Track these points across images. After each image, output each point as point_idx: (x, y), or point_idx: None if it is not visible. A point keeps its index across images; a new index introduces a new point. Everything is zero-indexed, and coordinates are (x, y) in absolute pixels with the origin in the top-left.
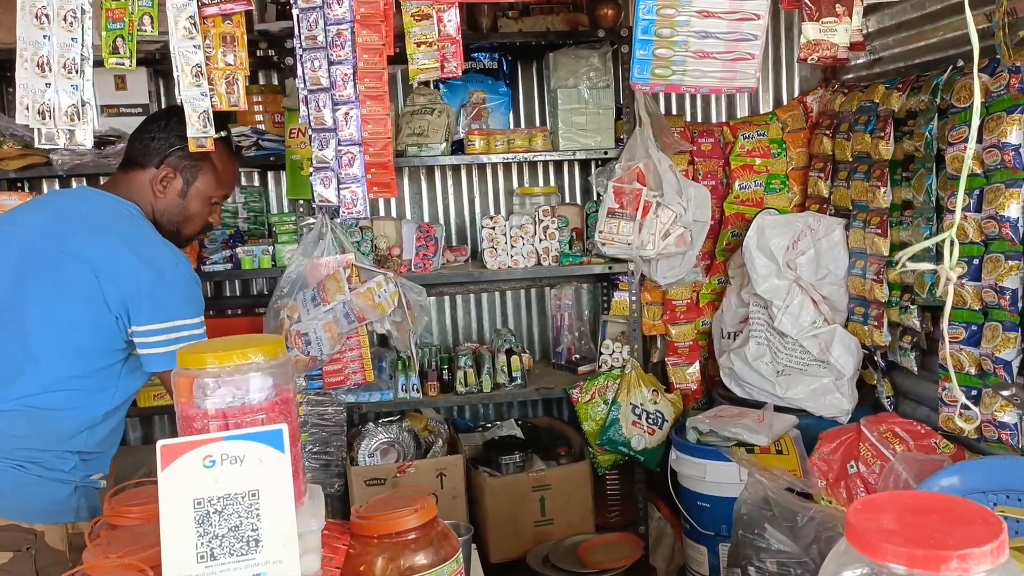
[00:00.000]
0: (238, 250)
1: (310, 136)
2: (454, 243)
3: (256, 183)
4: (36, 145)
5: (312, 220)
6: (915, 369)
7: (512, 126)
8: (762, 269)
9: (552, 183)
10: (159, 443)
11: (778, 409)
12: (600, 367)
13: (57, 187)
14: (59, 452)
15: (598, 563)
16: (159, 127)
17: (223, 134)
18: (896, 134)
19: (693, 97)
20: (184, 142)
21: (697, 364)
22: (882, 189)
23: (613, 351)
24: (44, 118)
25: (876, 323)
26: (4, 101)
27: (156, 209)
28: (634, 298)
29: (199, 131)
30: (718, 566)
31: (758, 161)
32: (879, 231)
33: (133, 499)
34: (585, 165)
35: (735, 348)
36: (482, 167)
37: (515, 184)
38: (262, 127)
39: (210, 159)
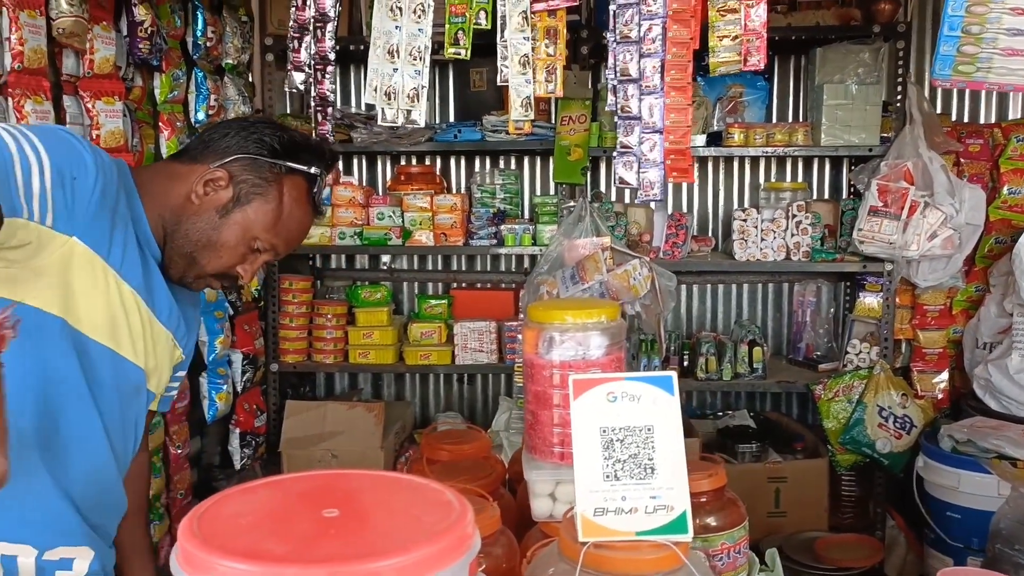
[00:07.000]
0: (502, 228)
1: (616, 123)
2: (695, 233)
3: (513, 167)
4: (379, 122)
5: (572, 203)
6: None
7: (765, 120)
8: None
9: (800, 179)
10: (571, 377)
11: None
12: (845, 366)
13: (355, 161)
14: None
15: (836, 560)
16: (241, 126)
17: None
18: None
19: (960, 96)
20: (263, 155)
21: (946, 373)
22: None
23: (860, 351)
24: (389, 99)
25: None
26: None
27: (181, 217)
28: (889, 299)
29: (521, 115)
30: None
31: None
32: None
33: (443, 440)
34: (836, 162)
35: (993, 359)
36: (729, 160)
37: (761, 179)
38: None
39: (280, 191)
